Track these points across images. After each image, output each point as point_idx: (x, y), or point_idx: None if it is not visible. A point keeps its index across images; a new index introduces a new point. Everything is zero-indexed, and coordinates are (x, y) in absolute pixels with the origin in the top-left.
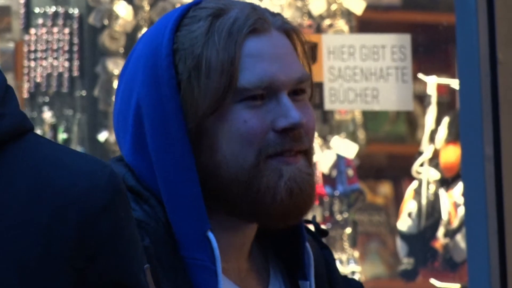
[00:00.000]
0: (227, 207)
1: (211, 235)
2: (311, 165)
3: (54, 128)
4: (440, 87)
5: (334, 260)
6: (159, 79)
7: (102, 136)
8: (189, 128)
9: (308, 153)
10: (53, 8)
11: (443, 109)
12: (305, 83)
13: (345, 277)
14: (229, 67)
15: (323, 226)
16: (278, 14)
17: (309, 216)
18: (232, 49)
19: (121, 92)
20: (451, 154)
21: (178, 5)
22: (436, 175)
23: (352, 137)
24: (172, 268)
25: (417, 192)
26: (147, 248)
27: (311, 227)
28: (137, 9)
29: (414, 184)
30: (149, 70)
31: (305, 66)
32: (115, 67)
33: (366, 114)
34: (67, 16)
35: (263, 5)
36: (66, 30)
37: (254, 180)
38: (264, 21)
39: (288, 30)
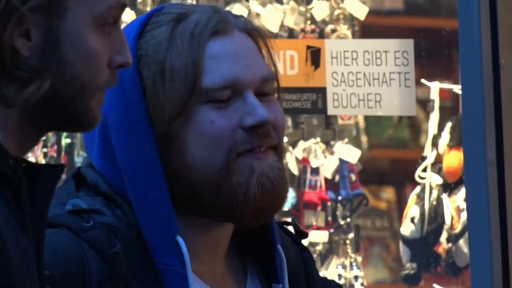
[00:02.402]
0: (199, 209)
1: (180, 240)
2: (281, 160)
3: (58, 133)
4: (443, 92)
5: (313, 262)
6: (124, 86)
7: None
8: (157, 133)
9: (278, 148)
10: None
11: (446, 114)
12: (270, 82)
13: (325, 278)
14: (192, 69)
15: (325, 231)
16: (241, 16)
17: (289, 219)
18: (195, 52)
19: None
20: (454, 159)
21: None
22: (439, 180)
23: (355, 142)
24: (143, 273)
25: (420, 197)
26: (118, 254)
27: (291, 228)
28: (140, 14)
29: (417, 189)
30: None
31: (270, 66)
32: None
33: (369, 119)
34: None
35: (266, 10)
36: None
37: (225, 179)
38: (225, 23)
39: (251, 31)
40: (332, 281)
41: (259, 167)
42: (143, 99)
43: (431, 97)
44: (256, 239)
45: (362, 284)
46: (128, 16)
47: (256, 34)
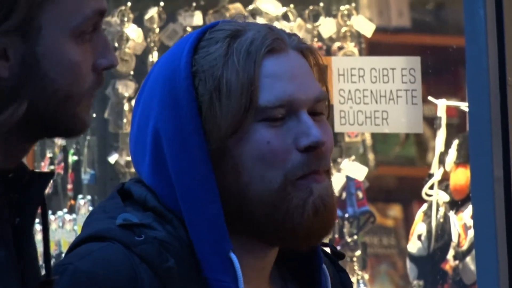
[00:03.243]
0: (251, 228)
1: (233, 256)
2: (332, 184)
3: (64, 150)
4: (449, 110)
5: (351, 283)
6: (179, 101)
7: (113, 158)
8: (211, 149)
9: (329, 172)
10: None
11: (452, 131)
12: (322, 102)
13: None
14: (249, 87)
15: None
16: (294, 35)
17: (326, 239)
18: (251, 69)
19: (138, 116)
20: (461, 177)
21: (188, 28)
22: (445, 197)
23: (362, 159)
24: None
25: (427, 214)
26: (171, 269)
27: (328, 249)
28: (147, 31)
29: (424, 207)
30: (167, 93)
31: (321, 86)
32: (125, 89)
33: (376, 136)
34: None
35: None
36: None
37: (282, 201)
38: (281, 41)
39: (304, 50)
40: None
41: (317, 189)
42: (198, 115)
43: (438, 114)
44: (298, 260)
45: None
46: (135, 33)
47: (308, 53)
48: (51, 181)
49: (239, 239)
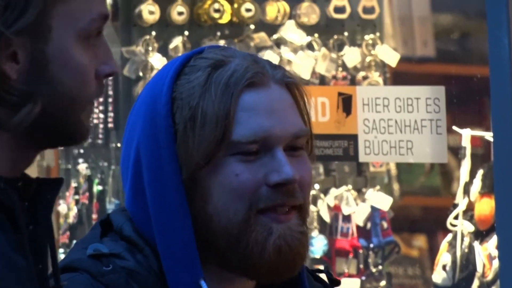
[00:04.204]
0: (218, 258)
1: (203, 284)
2: (304, 221)
3: (89, 180)
4: (474, 139)
5: None
6: (157, 126)
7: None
8: (184, 177)
9: (302, 208)
10: None
11: (477, 161)
12: (302, 138)
13: None
14: (223, 120)
15: (357, 279)
16: (279, 67)
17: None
18: (228, 102)
19: (125, 139)
20: (486, 207)
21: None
22: (470, 227)
23: (387, 189)
24: None
25: (452, 244)
26: None
27: (324, 276)
28: None
29: (449, 237)
30: (148, 117)
31: (305, 121)
32: None
33: (400, 166)
34: None
35: (297, 57)
36: None
37: (244, 234)
38: (262, 74)
39: (289, 84)
40: None
41: (277, 230)
42: (174, 141)
43: (463, 144)
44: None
45: None
46: (159, 62)
47: (293, 87)
48: (76, 210)
49: (210, 268)
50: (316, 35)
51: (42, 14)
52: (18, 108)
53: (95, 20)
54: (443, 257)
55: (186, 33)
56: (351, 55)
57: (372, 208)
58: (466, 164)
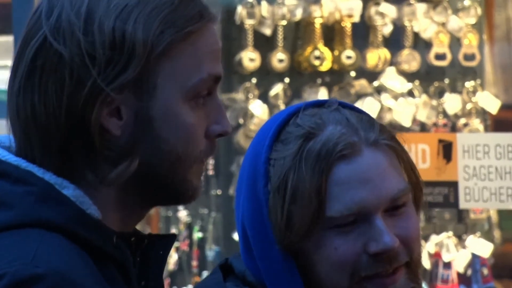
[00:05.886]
0: None
1: None
2: (415, 275)
3: (189, 227)
4: None
5: None
6: (256, 185)
7: (237, 235)
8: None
9: (410, 264)
10: None
11: None
12: (403, 197)
13: None
14: (316, 196)
15: None
16: (374, 126)
17: None
18: (319, 178)
19: (242, 194)
20: None
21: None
22: None
23: (487, 236)
24: None
25: None
26: None
27: None
28: (272, 107)
29: None
30: (251, 175)
31: (408, 175)
32: None
33: (501, 213)
34: None
35: (398, 104)
36: None
37: None
38: (354, 144)
39: (384, 146)
40: None
41: None
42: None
43: None
44: None
45: None
46: (260, 109)
47: (388, 147)
48: (176, 257)
49: None
50: (416, 82)
51: (146, 71)
52: (116, 163)
53: (204, 80)
54: None
55: (287, 80)
56: (452, 102)
57: (473, 254)
58: None
